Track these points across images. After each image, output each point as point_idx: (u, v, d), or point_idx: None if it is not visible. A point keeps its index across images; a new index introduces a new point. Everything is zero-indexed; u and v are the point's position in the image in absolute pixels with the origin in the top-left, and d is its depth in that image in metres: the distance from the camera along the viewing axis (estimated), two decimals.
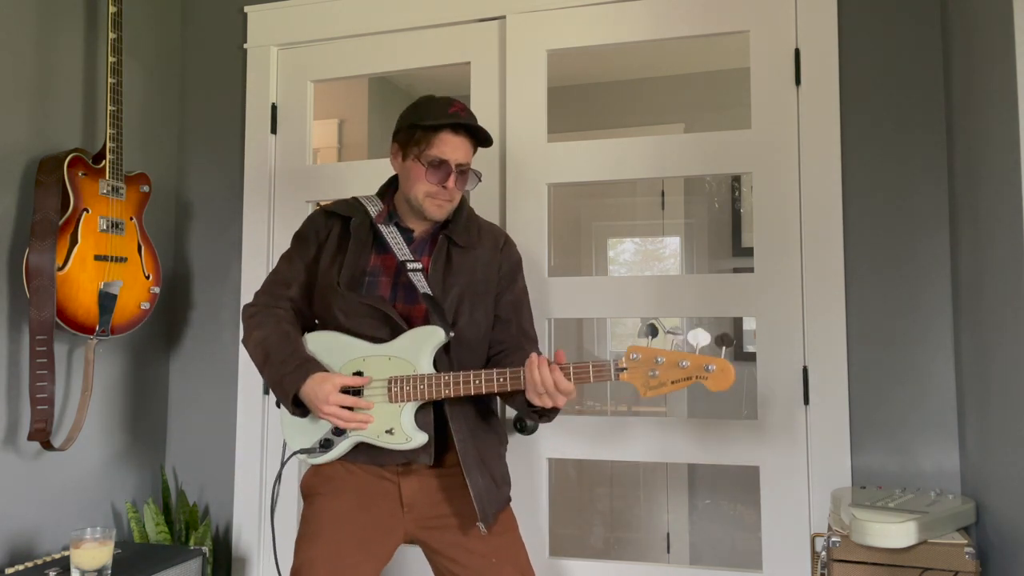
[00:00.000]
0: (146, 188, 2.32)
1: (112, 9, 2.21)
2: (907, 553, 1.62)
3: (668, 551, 3.56)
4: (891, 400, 2.02)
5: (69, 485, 2.27)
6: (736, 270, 3.66)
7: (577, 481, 3.74)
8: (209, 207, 2.67)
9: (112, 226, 2.19)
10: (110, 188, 2.18)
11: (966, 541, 1.62)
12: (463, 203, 1.77)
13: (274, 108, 2.61)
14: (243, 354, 2.56)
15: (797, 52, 2.13)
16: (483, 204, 2.33)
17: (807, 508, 2.04)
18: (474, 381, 1.54)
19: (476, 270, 1.69)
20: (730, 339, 1.43)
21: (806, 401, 2.06)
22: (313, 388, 1.56)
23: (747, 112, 2.17)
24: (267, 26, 2.62)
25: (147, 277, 2.30)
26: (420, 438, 1.58)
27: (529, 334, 1.77)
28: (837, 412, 2.03)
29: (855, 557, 1.66)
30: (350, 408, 1.58)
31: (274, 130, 2.60)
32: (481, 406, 1.70)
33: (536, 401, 1.51)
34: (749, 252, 3.46)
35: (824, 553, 1.71)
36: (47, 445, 2.08)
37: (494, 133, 2.35)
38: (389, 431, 1.58)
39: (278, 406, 1.68)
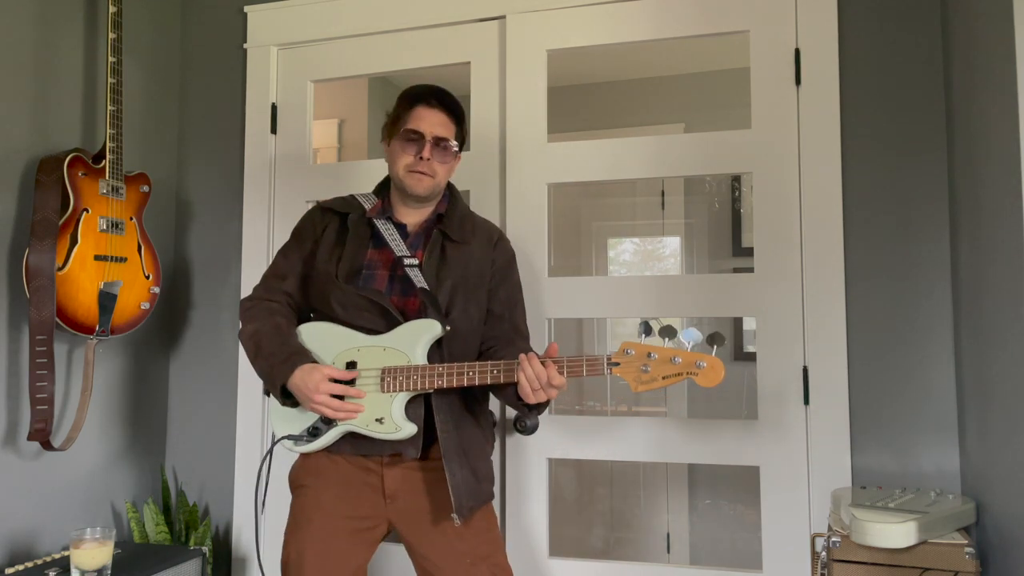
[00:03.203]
0: (146, 188, 2.32)
1: (112, 9, 2.21)
2: (907, 553, 1.62)
3: (668, 551, 3.56)
4: (891, 400, 2.01)
5: (69, 485, 2.27)
6: (736, 270, 3.65)
7: (577, 481, 3.74)
8: (209, 207, 2.67)
9: (112, 226, 2.19)
10: (110, 188, 2.18)
11: (966, 541, 1.62)
12: (456, 198, 1.81)
13: (274, 108, 2.61)
14: (243, 353, 2.56)
15: (797, 52, 2.12)
16: (483, 204, 2.33)
17: (807, 508, 2.04)
18: (468, 372, 1.56)
19: (469, 264, 1.72)
20: (722, 339, 1.46)
21: (806, 401, 2.06)
22: (302, 378, 1.58)
23: (747, 112, 2.17)
24: (267, 26, 2.62)
25: (147, 277, 2.30)
26: (409, 428, 1.60)
27: (521, 331, 1.80)
28: (837, 412, 2.03)
29: (855, 557, 1.66)
30: (340, 398, 1.60)
31: (274, 130, 2.60)
32: (469, 400, 1.72)
33: (530, 398, 1.54)
34: (749, 252, 3.46)
35: (824, 553, 1.71)
36: (47, 445, 2.08)
37: (494, 133, 2.35)
38: (379, 420, 1.60)
39: (266, 394, 1.69)
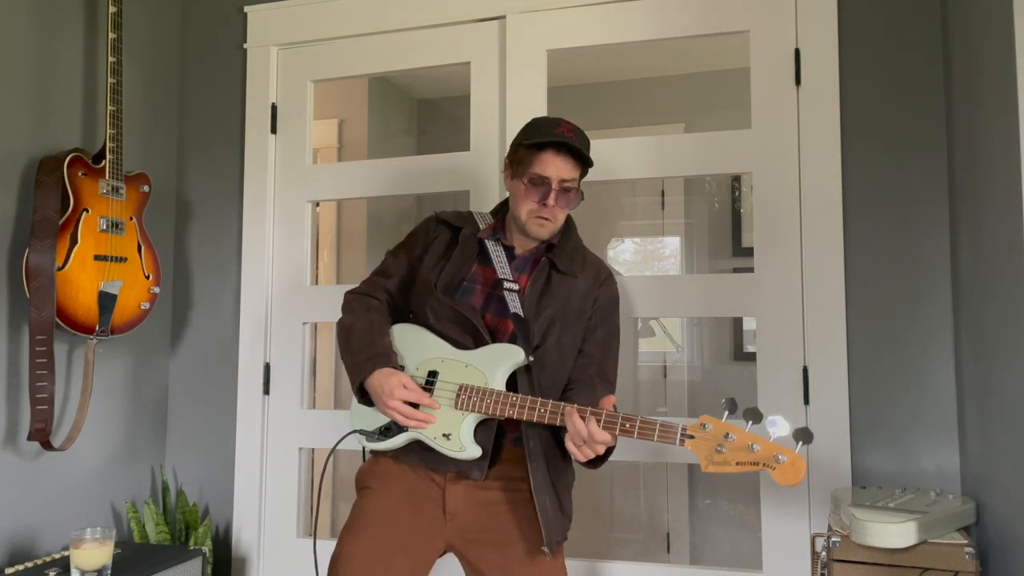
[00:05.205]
0: (146, 188, 2.32)
1: (112, 9, 2.21)
2: (907, 553, 1.62)
3: (668, 551, 3.56)
4: (891, 400, 2.01)
5: (69, 485, 2.27)
6: (736, 270, 3.65)
7: (577, 481, 3.74)
8: (209, 207, 2.67)
9: (112, 226, 2.19)
10: (110, 188, 2.18)
11: (966, 541, 1.62)
12: (571, 230, 1.79)
13: (274, 108, 2.61)
14: (243, 354, 2.56)
15: (797, 52, 2.12)
16: (483, 204, 2.33)
17: (807, 508, 2.04)
18: (539, 409, 1.53)
19: (572, 297, 1.70)
20: (809, 436, 1.39)
21: (806, 401, 2.06)
22: (380, 381, 1.59)
23: (747, 112, 2.17)
24: (267, 26, 2.61)
25: (147, 277, 2.30)
26: (473, 451, 1.58)
27: (607, 376, 1.74)
28: (837, 412, 2.03)
29: (855, 557, 1.66)
30: (415, 405, 1.60)
31: (274, 130, 2.60)
32: (559, 433, 1.66)
33: (576, 454, 1.48)
34: (749, 252, 3.46)
35: (824, 553, 1.71)
36: (47, 445, 2.08)
37: (494, 133, 2.35)
38: (446, 435, 1.59)
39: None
